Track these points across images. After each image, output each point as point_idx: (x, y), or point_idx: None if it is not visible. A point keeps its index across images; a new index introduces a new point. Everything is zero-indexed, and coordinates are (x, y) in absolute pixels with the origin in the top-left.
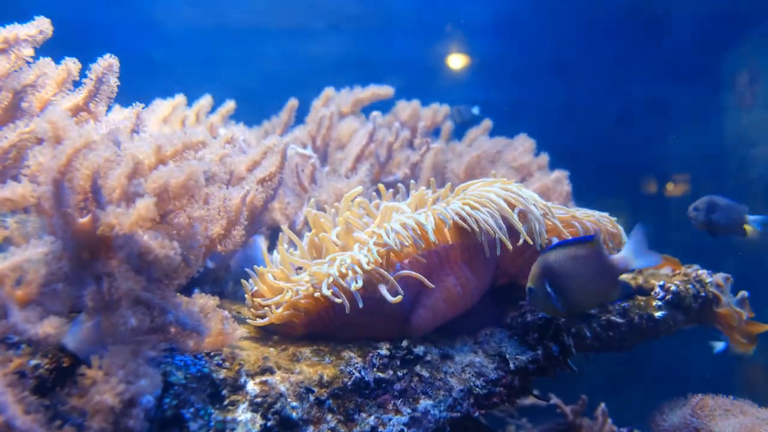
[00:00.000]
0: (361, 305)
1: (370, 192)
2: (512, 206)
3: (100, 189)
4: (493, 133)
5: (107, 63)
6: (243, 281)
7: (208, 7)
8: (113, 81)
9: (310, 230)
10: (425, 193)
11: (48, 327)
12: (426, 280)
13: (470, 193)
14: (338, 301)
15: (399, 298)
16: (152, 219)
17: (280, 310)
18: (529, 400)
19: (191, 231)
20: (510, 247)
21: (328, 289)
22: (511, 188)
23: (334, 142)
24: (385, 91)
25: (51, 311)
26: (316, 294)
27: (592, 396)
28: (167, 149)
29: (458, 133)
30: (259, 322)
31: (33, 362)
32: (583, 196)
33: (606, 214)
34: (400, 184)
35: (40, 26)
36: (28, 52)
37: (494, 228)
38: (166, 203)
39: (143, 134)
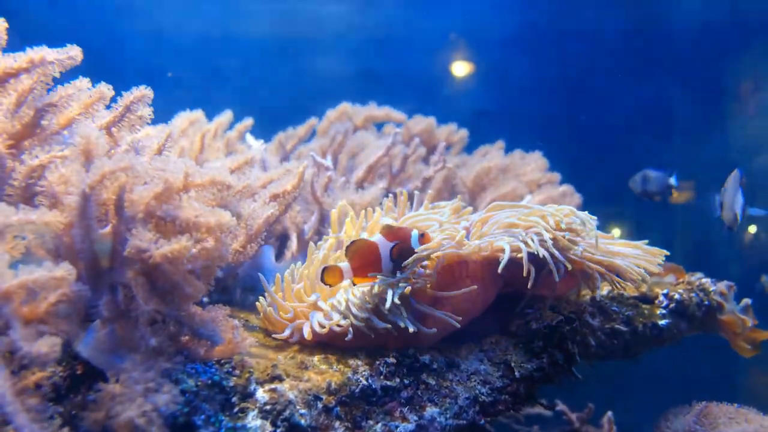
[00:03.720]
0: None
1: (383, 202)
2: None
3: (125, 204)
4: (495, 141)
5: (140, 93)
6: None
7: (215, 19)
8: (143, 111)
9: (319, 239)
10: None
11: (42, 346)
12: (435, 311)
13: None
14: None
15: (429, 332)
16: (186, 252)
17: (305, 334)
18: (536, 408)
19: (216, 253)
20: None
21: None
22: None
23: (345, 154)
24: (399, 116)
25: (58, 330)
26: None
27: (597, 403)
28: (195, 179)
29: (470, 148)
30: (281, 336)
31: (48, 370)
32: (588, 203)
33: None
34: (416, 192)
35: (71, 53)
36: (52, 70)
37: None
38: (188, 233)
39: (169, 154)
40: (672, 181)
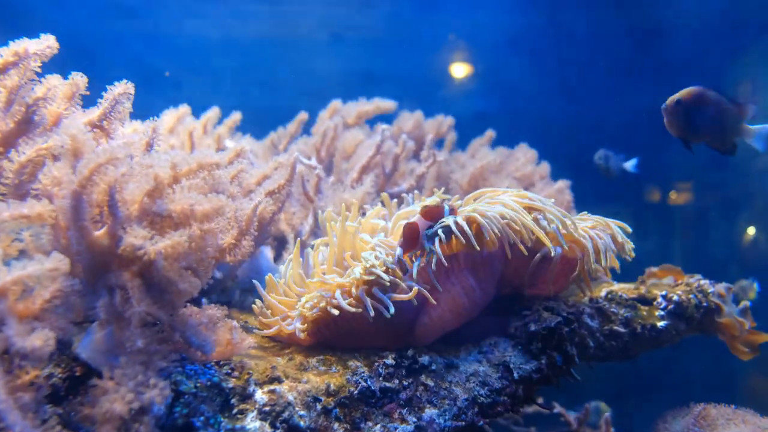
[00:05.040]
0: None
1: (375, 202)
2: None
3: (117, 203)
4: (495, 144)
5: (124, 88)
6: (260, 283)
7: (213, 19)
8: (127, 105)
9: (316, 239)
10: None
11: (36, 340)
12: (430, 296)
13: (481, 201)
14: (354, 310)
15: (414, 291)
16: (181, 249)
17: (296, 324)
18: (534, 409)
19: (203, 243)
20: (524, 251)
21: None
22: (526, 195)
23: (339, 153)
24: (389, 105)
25: (54, 326)
26: (323, 304)
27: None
28: (182, 167)
29: (461, 142)
30: (267, 332)
31: (47, 371)
32: (586, 204)
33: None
34: (404, 194)
35: (48, 42)
36: (36, 64)
37: (500, 231)
38: (186, 224)
39: (157, 149)
40: (628, 165)
